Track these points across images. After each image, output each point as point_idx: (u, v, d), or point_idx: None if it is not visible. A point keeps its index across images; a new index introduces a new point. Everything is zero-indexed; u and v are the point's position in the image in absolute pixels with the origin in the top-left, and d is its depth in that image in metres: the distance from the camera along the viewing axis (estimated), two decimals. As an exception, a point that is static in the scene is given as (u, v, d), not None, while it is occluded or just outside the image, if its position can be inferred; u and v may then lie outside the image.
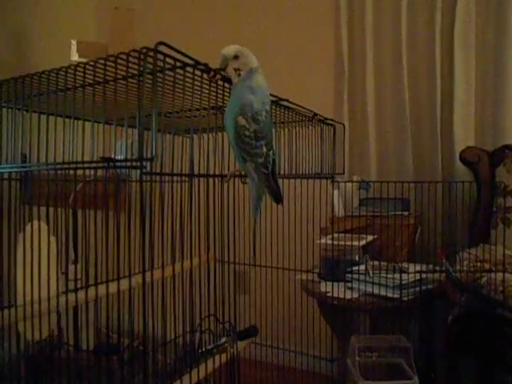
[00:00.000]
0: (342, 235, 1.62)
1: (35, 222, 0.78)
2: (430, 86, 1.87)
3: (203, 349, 0.85)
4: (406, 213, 1.68)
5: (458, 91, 1.82)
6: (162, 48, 0.59)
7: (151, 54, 0.56)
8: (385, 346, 1.00)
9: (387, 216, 1.58)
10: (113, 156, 1.04)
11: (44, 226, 0.80)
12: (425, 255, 1.62)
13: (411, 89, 1.91)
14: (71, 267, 1.68)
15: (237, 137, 0.85)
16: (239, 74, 0.86)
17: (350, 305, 1.33)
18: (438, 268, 1.28)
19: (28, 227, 0.79)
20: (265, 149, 0.87)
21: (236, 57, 0.86)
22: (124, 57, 0.59)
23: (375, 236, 1.61)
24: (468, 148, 1.70)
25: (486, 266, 1.22)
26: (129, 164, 0.56)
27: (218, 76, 0.83)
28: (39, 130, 0.75)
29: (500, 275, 1.05)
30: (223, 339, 0.88)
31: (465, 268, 1.11)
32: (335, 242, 1.57)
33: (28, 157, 0.80)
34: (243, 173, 0.94)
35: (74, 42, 2.33)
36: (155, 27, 2.57)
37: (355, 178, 1.91)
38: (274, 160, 0.91)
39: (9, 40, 2.41)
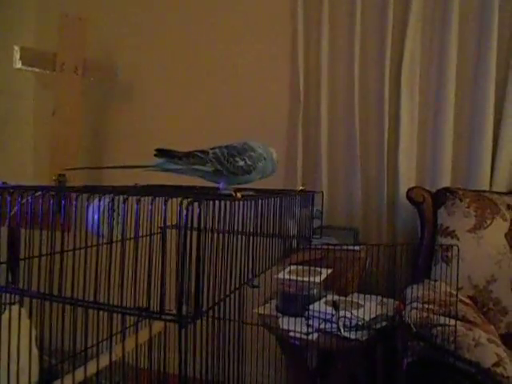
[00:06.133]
0: (299, 268, 1.67)
1: (13, 308, 0.71)
2: (379, 124, 2.02)
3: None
4: (357, 247, 1.78)
5: (403, 131, 1.98)
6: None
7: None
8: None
9: (340, 249, 1.66)
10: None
11: (23, 311, 0.73)
12: (374, 286, 1.74)
13: (362, 126, 2.05)
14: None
15: None
16: None
17: (307, 343, 1.38)
18: (396, 321, 1.38)
19: (5, 315, 0.71)
20: None
21: None
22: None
23: (331, 270, 1.69)
24: (415, 188, 1.84)
25: (436, 308, 1.33)
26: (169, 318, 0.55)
27: None
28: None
29: (452, 322, 1.16)
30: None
31: (419, 320, 1.22)
32: (294, 277, 1.61)
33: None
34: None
35: (16, 48, 2.15)
36: (108, 36, 2.46)
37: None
38: None
39: None
